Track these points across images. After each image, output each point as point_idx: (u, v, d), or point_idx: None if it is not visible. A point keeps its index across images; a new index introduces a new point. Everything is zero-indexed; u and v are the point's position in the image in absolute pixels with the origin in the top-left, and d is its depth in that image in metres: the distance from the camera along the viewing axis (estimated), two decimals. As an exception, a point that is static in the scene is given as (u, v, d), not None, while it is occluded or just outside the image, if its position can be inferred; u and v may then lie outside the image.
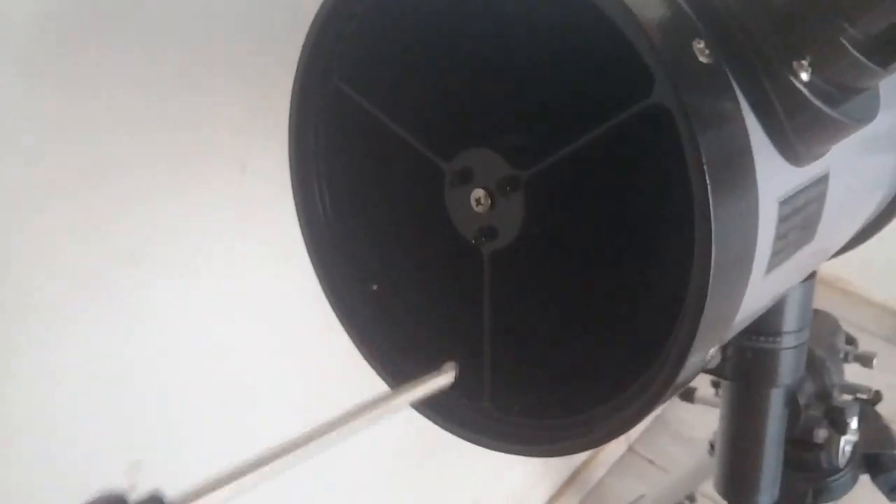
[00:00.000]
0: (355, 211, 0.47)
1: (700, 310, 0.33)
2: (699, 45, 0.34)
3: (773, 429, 0.79)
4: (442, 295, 0.47)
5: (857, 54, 0.35)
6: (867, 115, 0.39)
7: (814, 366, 0.83)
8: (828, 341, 0.88)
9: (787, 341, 0.73)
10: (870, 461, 0.78)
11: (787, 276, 0.45)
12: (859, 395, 0.85)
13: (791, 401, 0.80)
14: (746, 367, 0.75)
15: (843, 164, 0.45)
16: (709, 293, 0.32)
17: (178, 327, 0.71)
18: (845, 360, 0.87)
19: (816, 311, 0.94)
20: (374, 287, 0.49)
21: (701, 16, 0.35)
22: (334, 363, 0.67)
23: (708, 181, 0.31)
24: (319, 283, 0.48)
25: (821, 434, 0.83)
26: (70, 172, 0.59)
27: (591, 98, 0.40)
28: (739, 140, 0.34)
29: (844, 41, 0.35)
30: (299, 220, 0.47)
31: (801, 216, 0.41)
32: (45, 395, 0.63)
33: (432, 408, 0.45)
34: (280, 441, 0.32)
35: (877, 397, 0.96)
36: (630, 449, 1.66)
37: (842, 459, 0.75)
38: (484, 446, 0.44)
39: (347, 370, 0.50)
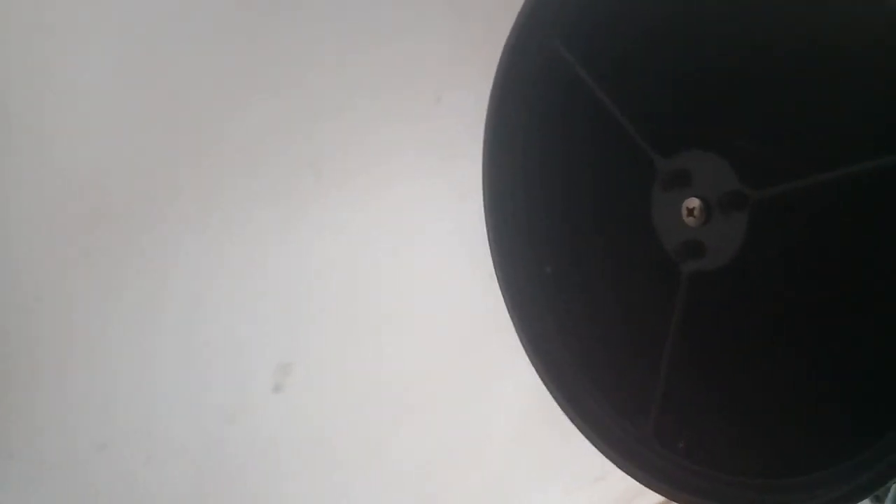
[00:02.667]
0: (546, 190, 0.43)
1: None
2: None
3: None
4: (627, 301, 0.42)
5: None
6: None
7: None
8: None
9: None
10: None
11: None
12: None
13: None
14: None
15: None
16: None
17: (353, 241, 0.70)
18: None
19: None
20: (549, 270, 0.45)
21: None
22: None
23: None
24: (493, 265, 0.44)
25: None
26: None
27: (851, 124, 0.33)
28: None
29: None
30: (484, 191, 0.44)
31: None
32: (203, 288, 0.64)
33: (586, 419, 0.41)
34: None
35: None
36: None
37: None
38: (629, 474, 0.40)
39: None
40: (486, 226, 0.45)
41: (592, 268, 0.43)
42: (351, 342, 0.77)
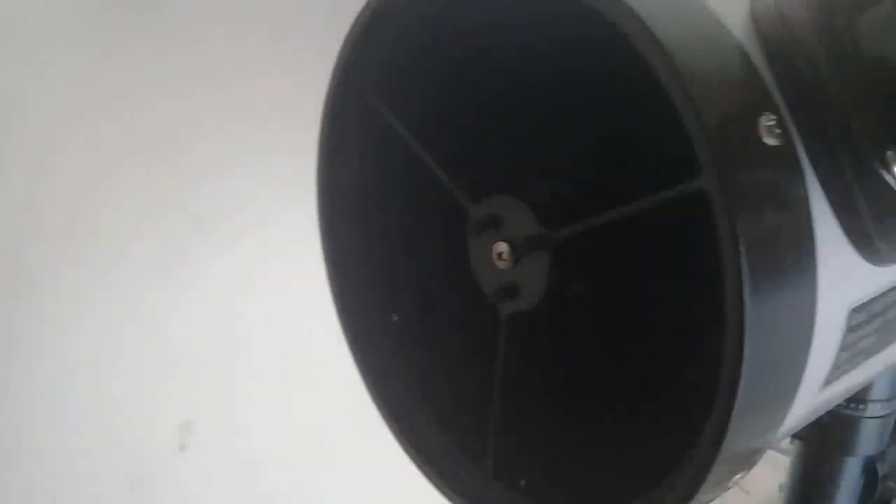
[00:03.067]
0: (378, 237, 0.44)
1: (716, 445, 0.27)
2: (768, 123, 0.28)
3: (843, 498, 0.71)
4: (454, 342, 0.43)
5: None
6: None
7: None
8: None
9: (873, 410, 0.66)
10: None
11: (856, 380, 0.38)
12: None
13: (869, 471, 0.72)
14: (822, 430, 0.68)
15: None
16: (729, 429, 0.27)
17: (239, 294, 0.70)
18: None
19: None
20: (395, 318, 0.45)
21: (783, 81, 0.29)
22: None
23: (746, 297, 0.26)
24: (335, 307, 0.45)
25: (900, 507, 0.74)
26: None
27: (651, 156, 0.35)
28: (799, 239, 0.28)
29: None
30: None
31: (880, 321, 0.34)
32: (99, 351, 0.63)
33: (429, 462, 0.41)
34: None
35: None
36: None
37: None
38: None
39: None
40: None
41: (433, 314, 0.44)
42: (253, 395, 0.76)
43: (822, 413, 0.41)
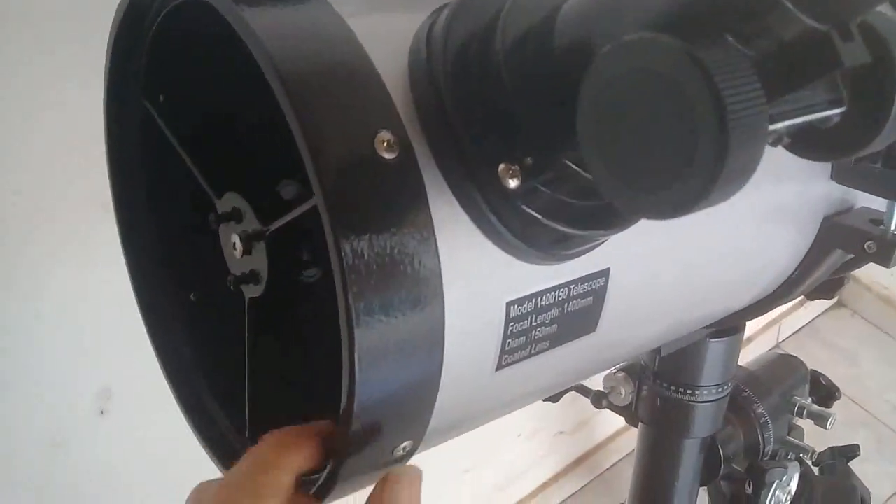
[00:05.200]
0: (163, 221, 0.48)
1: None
2: (385, 137, 0.31)
3: (684, 476, 0.75)
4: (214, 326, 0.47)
5: (581, 172, 0.31)
6: (616, 222, 0.35)
7: (748, 419, 0.77)
8: (783, 392, 0.82)
9: (703, 395, 0.69)
10: None
11: (560, 366, 0.42)
12: (801, 456, 0.79)
13: (709, 450, 0.76)
14: (658, 414, 0.72)
15: (640, 256, 0.41)
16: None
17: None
18: (799, 415, 0.81)
19: (785, 358, 0.87)
20: (193, 297, 0.49)
21: (419, 104, 0.33)
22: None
23: (351, 306, 0.29)
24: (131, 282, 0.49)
25: (747, 488, 0.78)
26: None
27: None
28: (418, 239, 0.31)
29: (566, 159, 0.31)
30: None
31: (556, 312, 0.38)
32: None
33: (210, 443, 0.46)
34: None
35: (852, 452, 0.89)
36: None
37: None
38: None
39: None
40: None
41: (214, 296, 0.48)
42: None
43: (540, 393, 0.45)
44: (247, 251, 0.41)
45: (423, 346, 0.32)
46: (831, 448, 0.84)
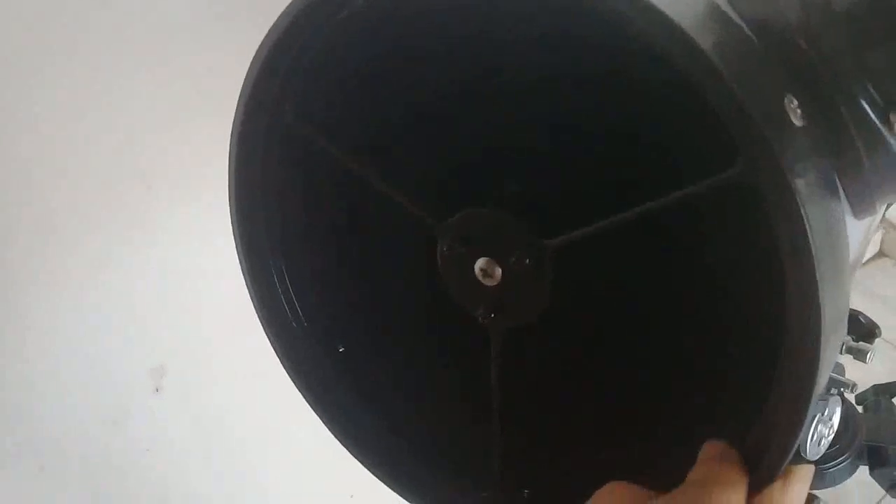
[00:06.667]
0: (320, 273, 0.38)
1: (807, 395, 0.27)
2: (792, 105, 0.26)
3: None
4: (432, 369, 0.40)
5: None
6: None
7: None
8: None
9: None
10: (871, 453, 0.75)
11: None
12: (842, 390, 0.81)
13: None
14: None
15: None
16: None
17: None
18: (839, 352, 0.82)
19: None
20: (341, 349, 0.41)
21: (785, 61, 0.28)
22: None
23: (821, 296, 0.25)
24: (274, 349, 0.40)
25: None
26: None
27: (626, 149, 0.33)
28: (838, 221, 0.27)
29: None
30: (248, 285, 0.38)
31: (857, 264, 0.35)
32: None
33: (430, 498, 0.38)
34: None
35: (894, 388, 0.91)
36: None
37: (812, 451, 0.71)
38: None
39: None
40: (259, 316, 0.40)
41: (387, 339, 0.40)
42: (223, 343, 0.77)
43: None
44: (504, 276, 0.33)
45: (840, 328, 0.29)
46: (874, 386, 0.87)
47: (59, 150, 0.61)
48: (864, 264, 1.86)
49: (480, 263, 0.34)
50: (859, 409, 0.84)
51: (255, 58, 0.32)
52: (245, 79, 0.33)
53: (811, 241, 0.25)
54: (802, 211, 0.24)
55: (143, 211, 0.67)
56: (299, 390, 0.40)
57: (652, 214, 0.29)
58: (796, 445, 0.28)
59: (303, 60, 0.32)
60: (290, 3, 0.30)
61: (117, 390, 0.73)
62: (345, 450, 0.40)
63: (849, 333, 0.88)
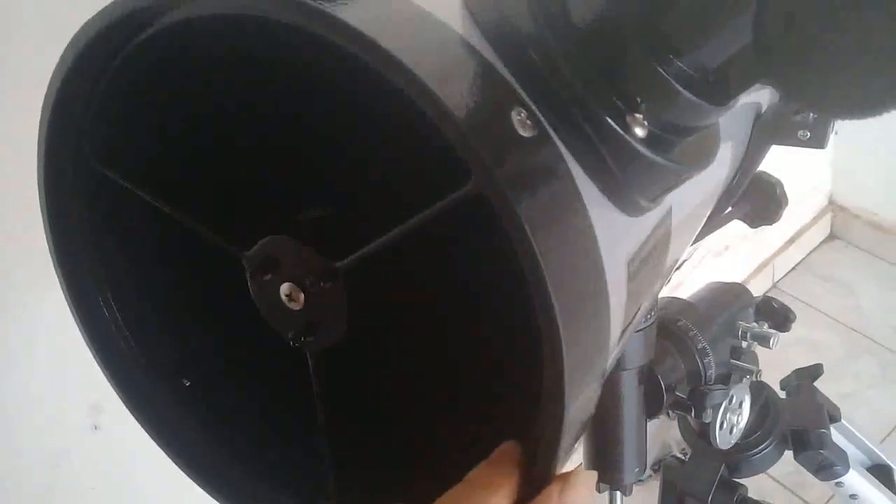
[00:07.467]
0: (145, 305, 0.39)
1: (559, 418, 0.28)
2: (519, 117, 0.28)
3: (629, 411, 0.76)
4: (262, 394, 0.41)
5: (690, 95, 0.31)
6: (706, 154, 0.35)
7: (685, 347, 0.79)
8: (725, 318, 0.82)
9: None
10: (794, 437, 0.74)
11: (639, 315, 0.41)
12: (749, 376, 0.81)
13: (649, 382, 0.77)
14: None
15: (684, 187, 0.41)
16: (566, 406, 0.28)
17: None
18: (743, 339, 0.83)
19: (727, 286, 0.88)
20: (187, 383, 0.42)
21: (518, 73, 0.30)
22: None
23: (555, 306, 0.26)
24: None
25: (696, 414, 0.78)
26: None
27: (412, 166, 0.34)
28: (580, 221, 0.29)
29: (675, 83, 0.30)
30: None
31: (651, 262, 0.37)
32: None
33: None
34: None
35: (815, 371, 0.91)
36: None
37: (723, 440, 0.71)
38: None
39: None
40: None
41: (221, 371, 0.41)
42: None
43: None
44: (307, 299, 0.35)
45: (598, 334, 0.30)
46: (796, 370, 0.85)
47: None
48: (815, 248, 1.84)
49: (284, 289, 0.35)
50: (782, 394, 0.83)
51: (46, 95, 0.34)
52: (40, 122, 0.34)
53: (537, 252, 0.26)
54: (524, 223, 0.26)
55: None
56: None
57: (426, 230, 0.30)
58: (562, 447, 0.30)
59: (92, 104, 0.34)
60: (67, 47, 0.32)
61: (58, 429, 0.74)
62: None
63: (764, 320, 0.87)
